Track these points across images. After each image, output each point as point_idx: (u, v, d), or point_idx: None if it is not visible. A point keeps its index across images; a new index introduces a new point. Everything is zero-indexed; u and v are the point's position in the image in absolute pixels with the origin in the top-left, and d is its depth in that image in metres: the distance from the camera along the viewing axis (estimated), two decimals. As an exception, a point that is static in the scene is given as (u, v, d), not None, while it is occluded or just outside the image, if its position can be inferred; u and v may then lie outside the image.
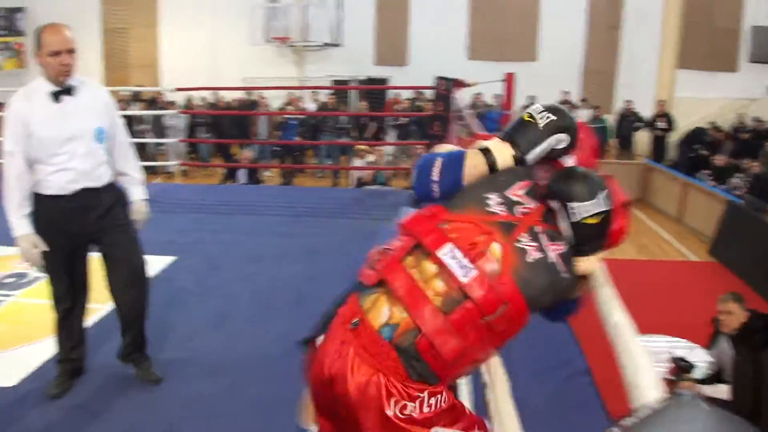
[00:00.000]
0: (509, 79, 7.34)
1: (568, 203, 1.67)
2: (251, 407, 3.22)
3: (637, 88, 16.46)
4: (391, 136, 14.56)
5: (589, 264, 1.72)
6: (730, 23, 17.14)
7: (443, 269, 1.56)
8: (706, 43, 16.95)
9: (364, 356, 1.54)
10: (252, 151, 11.64)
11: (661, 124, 14.41)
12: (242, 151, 10.42)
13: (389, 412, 1.51)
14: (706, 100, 16.53)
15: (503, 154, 1.76)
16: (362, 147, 11.51)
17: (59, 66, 2.98)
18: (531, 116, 1.77)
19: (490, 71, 12.49)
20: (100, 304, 4.36)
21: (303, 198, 7.89)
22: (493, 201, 1.68)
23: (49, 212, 3.08)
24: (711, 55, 17.05)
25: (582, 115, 15.06)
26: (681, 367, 4.41)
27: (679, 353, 4.61)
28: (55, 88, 3.03)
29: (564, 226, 1.70)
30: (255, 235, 6.09)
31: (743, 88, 17.05)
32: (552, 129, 1.76)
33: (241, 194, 8.19)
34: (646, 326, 5.79)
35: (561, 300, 1.73)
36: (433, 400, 1.54)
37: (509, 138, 1.78)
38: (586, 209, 1.66)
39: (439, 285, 1.56)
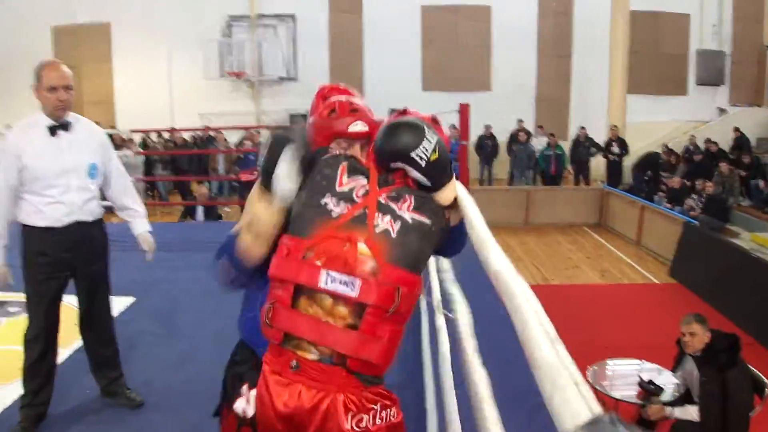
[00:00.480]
0: (464, 110, 7.36)
1: (411, 154, 1.69)
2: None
3: (590, 114, 16.77)
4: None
5: (450, 192, 1.77)
6: (677, 48, 17.66)
7: (335, 295, 1.61)
8: (654, 68, 17.43)
9: (318, 385, 1.60)
10: (207, 188, 11.51)
11: (615, 149, 14.65)
12: (198, 188, 10.27)
13: (347, 426, 1.59)
14: (657, 124, 16.94)
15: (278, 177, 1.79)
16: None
17: (56, 101, 3.09)
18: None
19: (444, 102, 12.59)
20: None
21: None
22: (331, 203, 1.70)
23: (41, 244, 3.14)
24: (660, 80, 17.52)
25: (538, 143, 15.29)
26: (649, 391, 4.40)
27: (646, 376, 4.61)
28: (52, 123, 3.12)
29: (415, 176, 1.73)
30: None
31: (693, 111, 17.54)
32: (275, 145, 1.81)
33: (200, 231, 8.08)
34: (611, 350, 5.82)
35: (444, 239, 1.77)
36: (384, 413, 1.64)
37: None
38: (425, 150, 1.69)
39: (341, 310, 1.62)
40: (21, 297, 5.11)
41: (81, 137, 3.22)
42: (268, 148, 1.82)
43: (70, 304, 5.01)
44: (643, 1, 16.54)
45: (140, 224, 3.62)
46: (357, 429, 1.60)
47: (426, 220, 1.69)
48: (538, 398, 2.98)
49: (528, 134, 15.34)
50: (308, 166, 1.78)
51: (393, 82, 16.33)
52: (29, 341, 3.23)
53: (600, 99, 16.51)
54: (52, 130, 3.13)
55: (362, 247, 1.62)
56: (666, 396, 4.43)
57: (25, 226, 3.15)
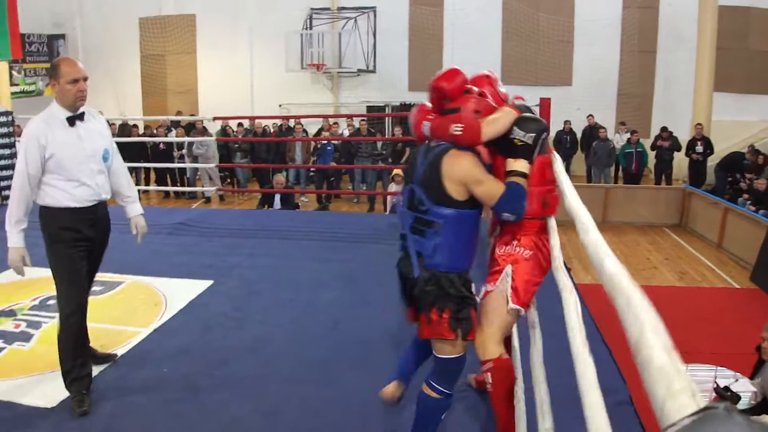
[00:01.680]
0: (545, 104, 7.29)
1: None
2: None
3: (674, 111, 16.34)
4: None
5: (518, 164, 2.61)
6: (766, 45, 16.96)
7: None
8: (742, 65, 16.80)
9: None
10: (284, 176, 11.71)
11: (699, 148, 14.23)
12: (275, 177, 10.46)
13: None
14: (744, 123, 16.34)
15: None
16: (398, 172, 11.53)
17: (77, 92, 3.36)
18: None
19: (524, 95, 12.46)
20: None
21: (339, 223, 7.91)
22: None
23: (72, 222, 3.40)
24: (748, 78, 16.88)
25: (620, 139, 14.98)
26: (725, 398, 4.31)
27: (723, 383, 4.51)
28: (69, 114, 3.39)
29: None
30: (292, 259, 6.11)
31: (782, 111, 16.86)
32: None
33: (277, 219, 8.23)
34: (688, 355, 5.69)
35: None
36: None
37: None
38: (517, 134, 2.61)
39: None
40: (104, 276, 5.36)
41: (92, 126, 3.51)
42: (535, 124, 2.64)
43: (150, 285, 5.23)
44: (732, -5, 15.99)
45: (134, 208, 3.83)
46: None
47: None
48: (611, 398, 2.97)
49: (605, 130, 15.02)
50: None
51: (472, 75, 16.21)
52: (69, 316, 3.40)
53: (685, 96, 16.03)
54: (71, 121, 3.39)
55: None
56: (742, 404, 4.33)
57: (51, 208, 3.40)
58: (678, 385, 0.91)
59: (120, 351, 4.06)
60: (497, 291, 2.74)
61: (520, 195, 2.57)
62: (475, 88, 2.70)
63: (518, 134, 2.59)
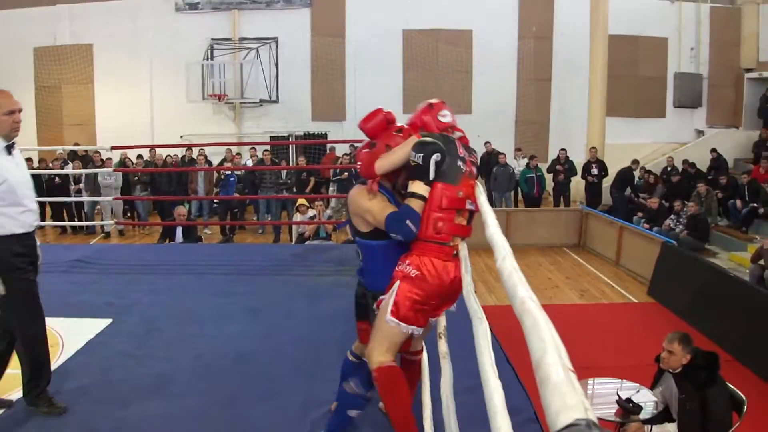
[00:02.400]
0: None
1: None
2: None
3: (570, 136, 16.95)
4: (332, 191, 14.56)
5: (415, 186, 2.81)
6: (655, 71, 17.94)
7: (466, 210, 2.94)
8: (633, 90, 17.69)
9: (457, 263, 2.89)
10: (185, 208, 11.45)
11: (594, 171, 14.79)
12: (176, 209, 10.22)
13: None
14: (636, 145, 17.12)
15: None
16: (303, 202, 11.47)
17: (13, 123, 3.48)
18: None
19: (426, 123, 12.67)
20: None
21: (243, 255, 7.78)
22: (461, 164, 2.97)
23: (21, 248, 3.48)
24: (638, 102, 17.78)
25: (517, 165, 15.38)
26: (627, 409, 4.42)
27: (625, 395, 4.62)
28: (6, 143, 3.47)
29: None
30: (195, 294, 5.95)
31: (671, 133, 17.81)
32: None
33: (180, 253, 8.03)
34: (591, 369, 5.85)
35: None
36: None
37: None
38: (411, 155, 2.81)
39: (465, 217, 2.96)
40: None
41: (20, 155, 3.64)
42: (428, 147, 2.81)
43: (47, 326, 4.99)
44: (621, 26, 16.79)
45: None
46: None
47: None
48: (518, 417, 2.99)
49: (498, 154, 15.39)
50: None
51: (374, 104, 16.21)
52: (34, 336, 3.55)
53: (579, 121, 16.68)
54: (8, 150, 3.49)
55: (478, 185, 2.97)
56: (644, 414, 4.45)
57: (0, 237, 3.41)
58: (571, 400, 0.93)
59: (14, 396, 3.83)
60: (383, 305, 2.87)
61: (404, 216, 2.78)
62: (397, 124, 3.07)
63: (412, 155, 2.81)
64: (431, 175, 2.80)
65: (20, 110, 3.54)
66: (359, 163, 2.99)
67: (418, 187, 2.80)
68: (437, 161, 2.78)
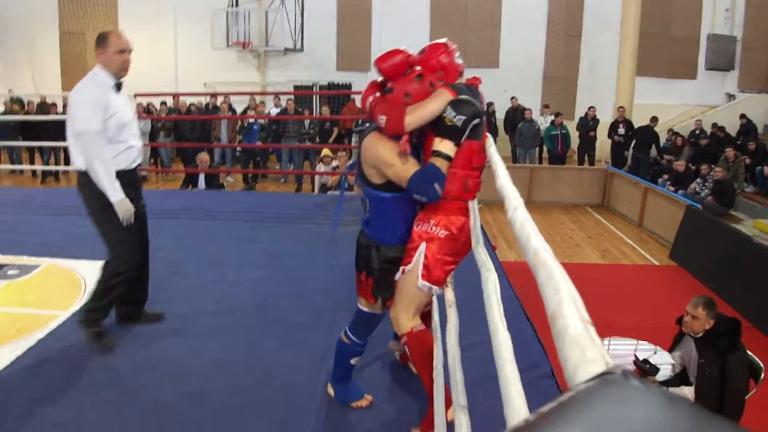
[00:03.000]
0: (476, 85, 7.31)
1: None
2: (215, 415, 3.14)
3: (598, 94, 16.70)
4: (354, 142, 14.49)
5: (444, 145, 2.62)
6: (688, 31, 17.50)
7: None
8: (665, 50, 17.30)
9: None
10: (208, 156, 11.45)
11: (621, 130, 14.59)
12: (199, 156, 10.22)
13: None
14: (665, 107, 16.82)
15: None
16: (327, 152, 11.44)
17: (123, 62, 3.64)
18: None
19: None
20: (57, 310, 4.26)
21: (265, 203, 7.80)
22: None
23: (122, 185, 3.58)
24: (669, 63, 17.40)
25: (543, 121, 15.21)
26: (644, 370, 4.42)
27: (642, 355, 4.62)
28: (116, 81, 3.64)
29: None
30: (217, 240, 5.99)
31: (702, 95, 17.46)
32: None
33: (202, 200, 8.06)
34: (608, 329, 5.83)
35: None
36: None
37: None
38: (448, 113, 2.60)
39: None
40: (21, 260, 5.18)
41: (125, 93, 3.76)
42: (469, 107, 2.60)
43: (69, 268, 5.06)
44: (655, -18, 16.40)
45: None
46: None
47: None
48: (533, 372, 2.99)
49: (530, 112, 15.21)
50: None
51: (400, 56, 16.19)
52: (121, 273, 3.71)
53: (608, 80, 16.44)
54: (117, 87, 3.64)
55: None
56: (661, 375, 4.45)
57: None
58: (591, 354, 0.90)
59: (38, 335, 3.90)
60: (411, 268, 2.80)
61: (432, 178, 2.61)
62: (418, 68, 2.73)
63: (449, 114, 2.59)
64: (463, 138, 2.64)
65: (131, 51, 3.68)
66: (383, 118, 2.68)
67: (446, 147, 2.62)
68: (475, 125, 2.63)
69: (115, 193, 3.53)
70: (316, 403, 3.23)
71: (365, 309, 3.02)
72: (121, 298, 3.89)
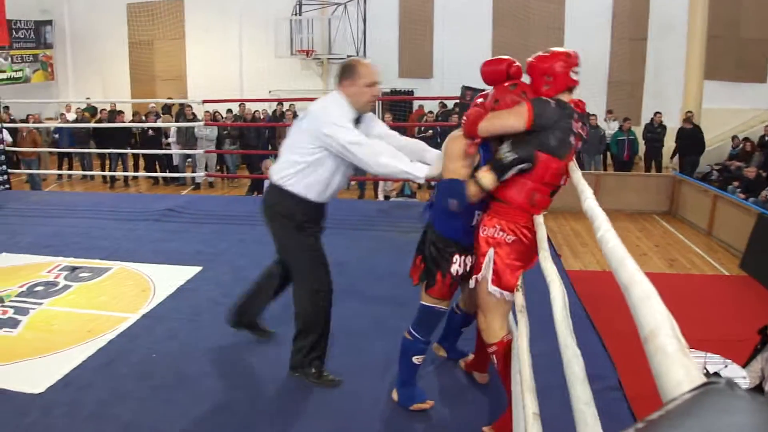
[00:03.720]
0: (580, 109, 7.26)
1: None
2: (279, 420, 3.19)
3: (664, 99, 16.36)
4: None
5: (485, 176, 2.71)
6: (757, 33, 16.97)
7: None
8: (733, 53, 16.82)
9: None
10: (272, 162, 11.61)
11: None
12: (264, 162, 10.39)
13: None
14: (734, 111, 16.37)
15: None
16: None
17: (371, 97, 3.30)
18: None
19: (515, 83, 12.46)
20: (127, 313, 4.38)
21: (329, 209, 7.86)
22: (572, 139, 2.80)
23: (310, 215, 3.41)
24: (738, 66, 16.90)
25: (607, 127, 14.99)
26: (715, 383, 4.31)
27: (712, 369, 4.51)
28: (356, 115, 3.30)
29: None
30: (281, 246, 6.07)
31: (772, 99, 16.91)
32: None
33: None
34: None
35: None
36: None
37: None
38: (501, 149, 2.76)
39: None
40: (93, 263, 5.35)
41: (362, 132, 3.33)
42: (520, 150, 2.69)
43: (138, 271, 5.20)
44: (724, -17, 15.98)
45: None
46: None
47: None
48: (600, 383, 2.95)
49: (595, 117, 14.98)
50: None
51: (462, 62, 16.13)
52: (319, 291, 3.46)
53: (675, 84, 16.07)
54: (357, 121, 3.30)
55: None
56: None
57: (292, 195, 3.33)
58: (695, 373, 0.91)
59: (108, 336, 4.02)
60: (483, 277, 2.85)
61: (454, 194, 2.82)
62: (524, 79, 2.88)
63: (503, 149, 2.71)
64: (506, 176, 2.71)
65: (378, 84, 3.35)
66: (465, 117, 2.84)
67: (486, 178, 2.72)
68: (521, 168, 2.70)
69: (417, 172, 3.19)
70: (380, 408, 3.25)
71: (426, 303, 3.09)
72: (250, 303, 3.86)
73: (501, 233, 2.81)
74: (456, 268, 3.00)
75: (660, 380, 0.94)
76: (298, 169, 3.29)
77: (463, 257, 3.00)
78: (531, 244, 2.82)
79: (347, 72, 3.29)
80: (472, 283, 2.95)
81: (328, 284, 3.47)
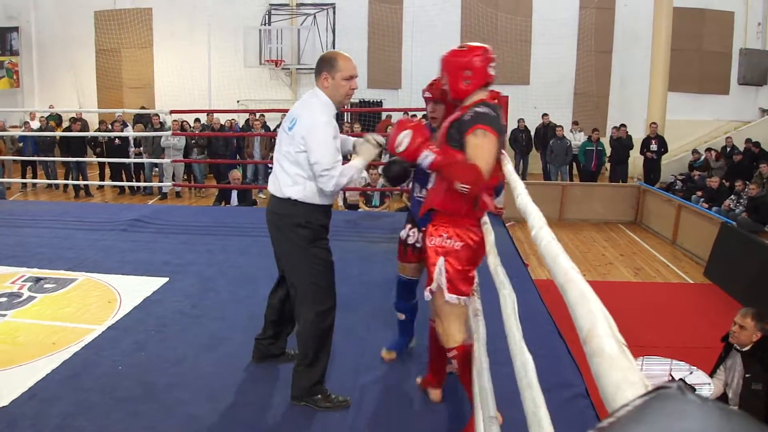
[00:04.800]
0: (503, 102, 7.33)
1: None
2: (248, 430, 3.16)
3: (629, 110, 16.62)
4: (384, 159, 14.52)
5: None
6: (720, 46, 17.35)
7: None
8: (697, 66, 17.15)
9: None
10: (240, 172, 11.57)
11: (653, 147, 14.48)
12: (231, 172, 10.34)
13: None
14: (698, 122, 16.68)
15: None
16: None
17: (349, 90, 3.24)
18: None
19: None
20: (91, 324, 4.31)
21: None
22: None
23: (323, 219, 3.28)
24: (702, 78, 17.25)
25: (573, 138, 15.16)
26: (680, 390, 4.36)
27: (678, 376, 4.56)
28: (335, 111, 3.25)
29: None
30: (249, 256, 6.02)
31: (735, 111, 17.27)
32: None
33: (235, 216, 8.12)
34: (642, 348, 5.77)
35: None
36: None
37: None
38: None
39: None
40: (57, 273, 5.27)
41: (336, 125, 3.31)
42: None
43: (104, 282, 5.14)
44: (686, -3, 16.28)
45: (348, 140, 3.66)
46: None
47: None
48: (568, 391, 2.96)
49: (561, 129, 15.15)
50: None
51: (431, 73, 16.15)
52: (326, 311, 3.31)
53: (640, 96, 16.33)
54: (337, 117, 3.27)
55: None
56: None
57: (305, 204, 3.20)
58: (633, 377, 0.91)
59: (73, 348, 3.96)
60: (437, 287, 2.84)
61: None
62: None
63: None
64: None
65: (356, 77, 3.28)
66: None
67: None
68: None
69: (356, 165, 3.25)
70: (351, 413, 3.25)
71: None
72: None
73: (449, 241, 2.81)
74: (404, 232, 3.57)
75: (599, 382, 0.94)
76: (304, 178, 3.19)
77: (409, 227, 3.52)
78: (479, 246, 2.84)
79: (326, 65, 3.23)
80: (427, 295, 2.91)
81: (332, 302, 3.35)
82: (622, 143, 14.67)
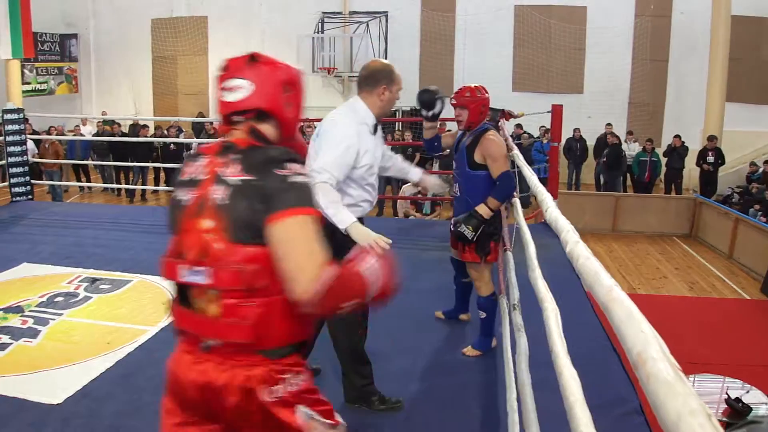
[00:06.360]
0: (557, 111, 7.29)
1: None
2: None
3: (685, 121, 16.26)
4: (436, 167, 14.49)
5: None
6: (780, 56, 16.88)
7: (197, 286, 1.66)
8: (755, 76, 16.70)
9: (226, 364, 1.66)
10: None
11: (710, 158, 14.15)
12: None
13: (264, 399, 1.64)
14: (756, 134, 16.25)
15: None
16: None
17: (395, 103, 3.25)
18: None
19: (533, 102, 12.45)
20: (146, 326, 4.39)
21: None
22: (181, 195, 1.72)
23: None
24: (760, 88, 16.77)
25: (627, 148, 14.93)
26: (736, 410, 4.25)
27: (733, 394, 4.45)
28: (375, 122, 3.18)
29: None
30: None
31: (795, 122, 16.76)
32: None
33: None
34: (695, 365, 5.63)
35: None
36: (294, 381, 1.69)
37: None
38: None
39: (212, 300, 1.65)
40: (113, 275, 5.37)
41: (379, 136, 3.29)
42: None
43: (158, 284, 5.22)
44: (745, 5, 15.84)
45: (417, 171, 3.89)
46: (272, 399, 1.65)
47: (255, 178, 1.63)
48: (621, 408, 2.90)
49: (618, 139, 14.90)
50: None
51: (483, 81, 15.96)
52: (354, 323, 3.27)
53: (696, 106, 15.98)
54: (374, 128, 3.19)
55: (208, 224, 1.63)
56: (753, 415, 4.27)
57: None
58: (693, 403, 0.88)
59: (127, 349, 4.03)
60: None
61: (511, 180, 3.95)
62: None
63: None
64: None
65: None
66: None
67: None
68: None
69: (341, 218, 2.92)
70: (403, 415, 3.23)
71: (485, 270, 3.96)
72: None
73: None
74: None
75: (657, 411, 0.91)
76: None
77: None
78: None
79: (386, 77, 3.16)
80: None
81: (362, 311, 3.28)
82: (677, 154, 14.39)
